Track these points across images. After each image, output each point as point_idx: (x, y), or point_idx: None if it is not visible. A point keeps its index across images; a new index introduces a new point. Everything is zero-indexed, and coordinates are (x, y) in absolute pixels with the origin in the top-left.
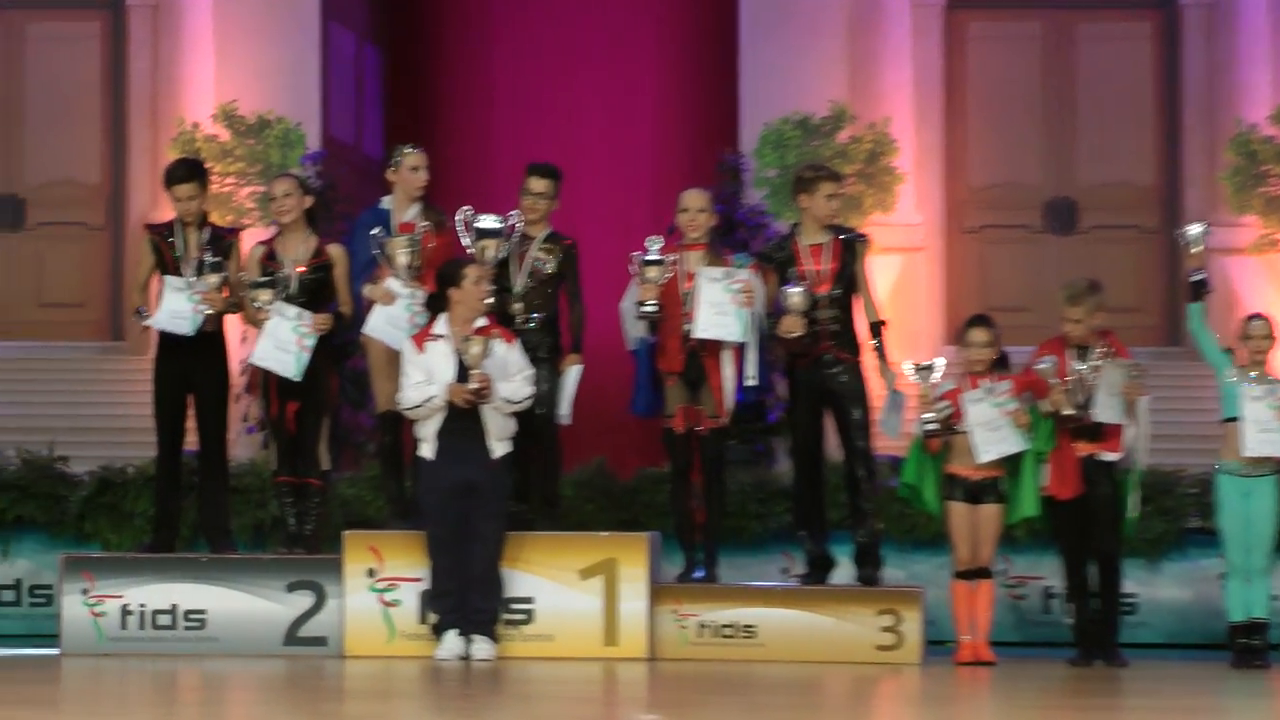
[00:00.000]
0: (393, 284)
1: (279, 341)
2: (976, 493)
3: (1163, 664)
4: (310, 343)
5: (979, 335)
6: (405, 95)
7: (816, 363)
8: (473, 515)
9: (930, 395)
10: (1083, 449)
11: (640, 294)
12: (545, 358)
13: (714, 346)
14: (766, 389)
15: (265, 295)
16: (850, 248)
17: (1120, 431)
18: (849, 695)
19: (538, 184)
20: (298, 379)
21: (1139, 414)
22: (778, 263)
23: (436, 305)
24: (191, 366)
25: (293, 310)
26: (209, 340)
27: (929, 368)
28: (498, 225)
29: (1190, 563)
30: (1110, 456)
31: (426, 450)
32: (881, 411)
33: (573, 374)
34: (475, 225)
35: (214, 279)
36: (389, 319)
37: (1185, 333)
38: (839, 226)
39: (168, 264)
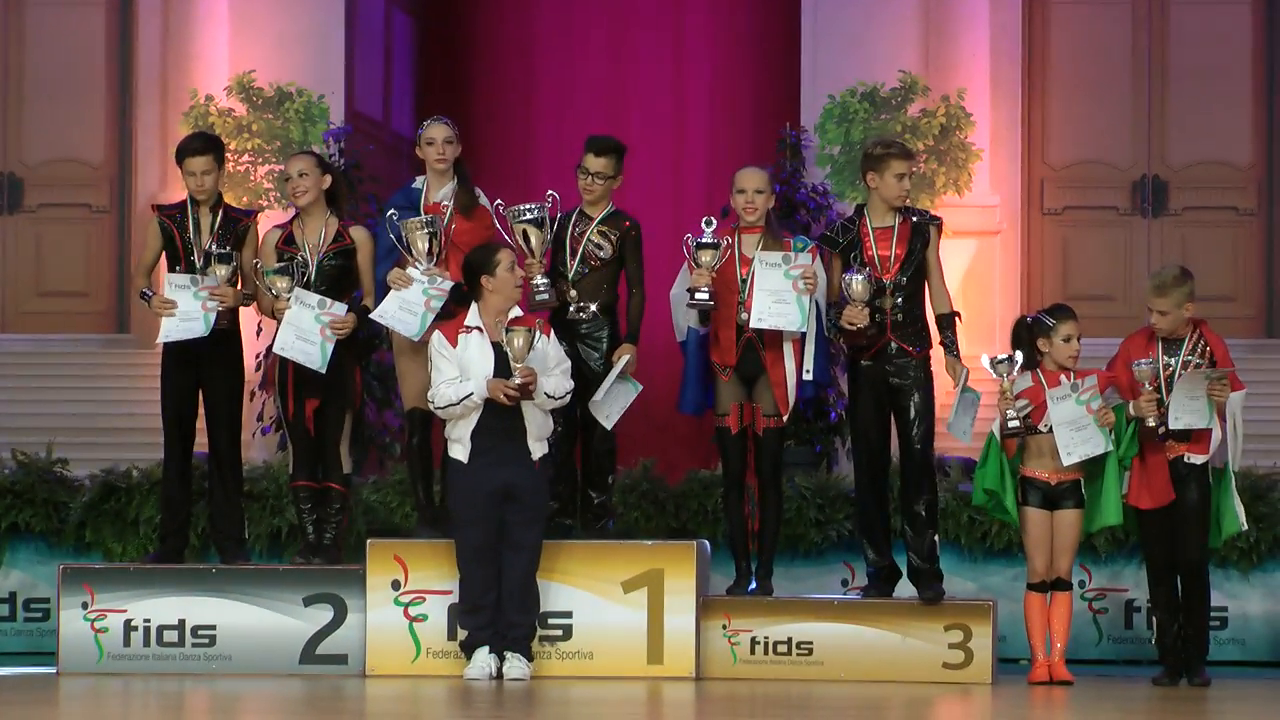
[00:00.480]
0: (412, 273)
1: (301, 331)
2: (1054, 498)
3: (1254, 684)
4: (341, 331)
5: (1066, 328)
6: (439, 67)
7: (880, 356)
8: (510, 522)
9: (1010, 391)
10: (1172, 450)
11: (692, 281)
12: (603, 350)
13: (772, 338)
14: (827, 385)
15: (282, 283)
16: (920, 232)
17: (1209, 432)
18: (913, 718)
19: (595, 162)
20: (323, 370)
21: (1230, 413)
22: (842, 247)
23: (468, 294)
24: (202, 361)
25: (314, 298)
26: (221, 333)
27: (1009, 360)
28: (537, 214)
29: None
30: (1199, 459)
31: (460, 452)
32: (952, 412)
33: (619, 365)
34: (513, 217)
35: (222, 270)
36: (402, 303)
37: None
38: (910, 209)
39: (179, 249)
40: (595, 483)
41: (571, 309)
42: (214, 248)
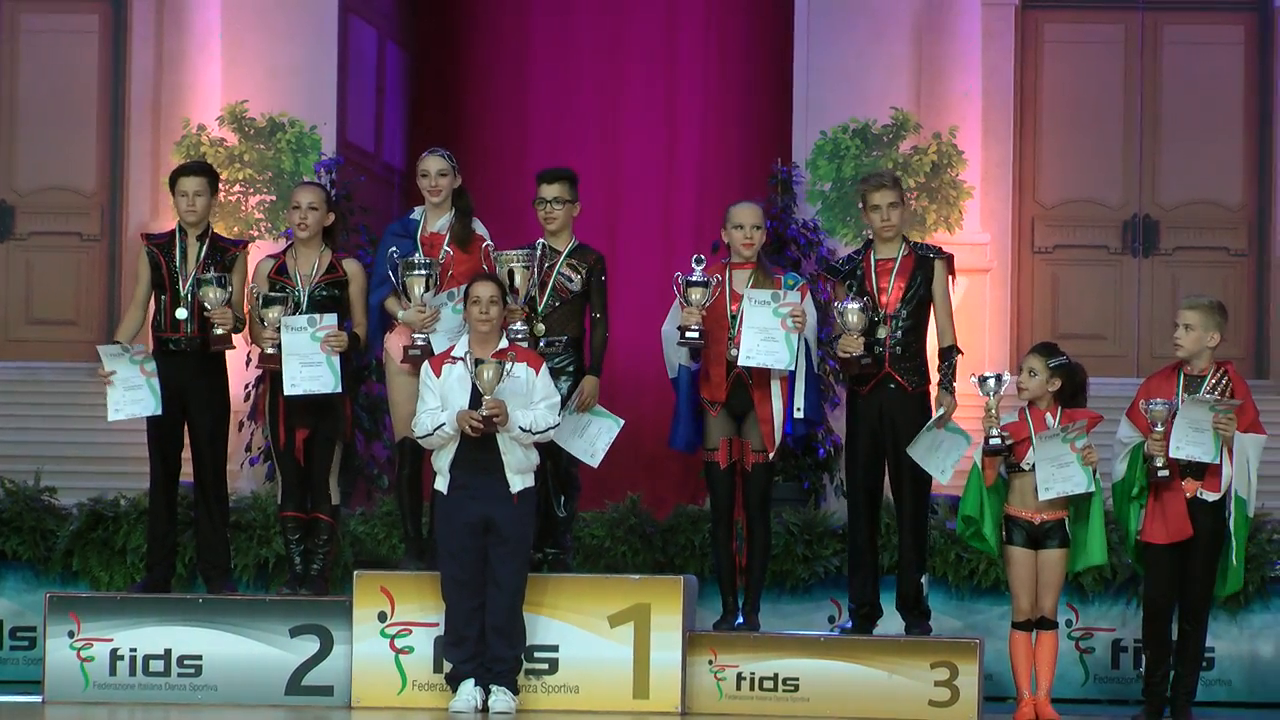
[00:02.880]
0: (407, 316)
1: (304, 357)
2: (1038, 537)
3: None
4: (338, 345)
5: (1034, 363)
6: (432, 99)
7: (878, 389)
8: (491, 556)
9: (994, 410)
10: (1189, 488)
11: (682, 319)
12: (570, 384)
13: (761, 375)
14: (818, 423)
15: (273, 313)
16: (924, 265)
17: (1220, 469)
18: None
19: (549, 189)
20: (338, 389)
21: (1242, 451)
22: (843, 276)
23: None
24: (187, 388)
25: (302, 319)
26: (206, 359)
27: (996, 379)
28: (523, 259)
29: (1274, 615)
30: (1212, 496)
31: (441, 484)
32: (916, 441)
33: (611, 430)
34: (500, 261)
35: (215, 294)
36: (445, 332)
37: (1276, 364)
38: (918, 244)
39: (164, 278)
40: (559, 497)
41: (541, 343)
42: (211, 273)
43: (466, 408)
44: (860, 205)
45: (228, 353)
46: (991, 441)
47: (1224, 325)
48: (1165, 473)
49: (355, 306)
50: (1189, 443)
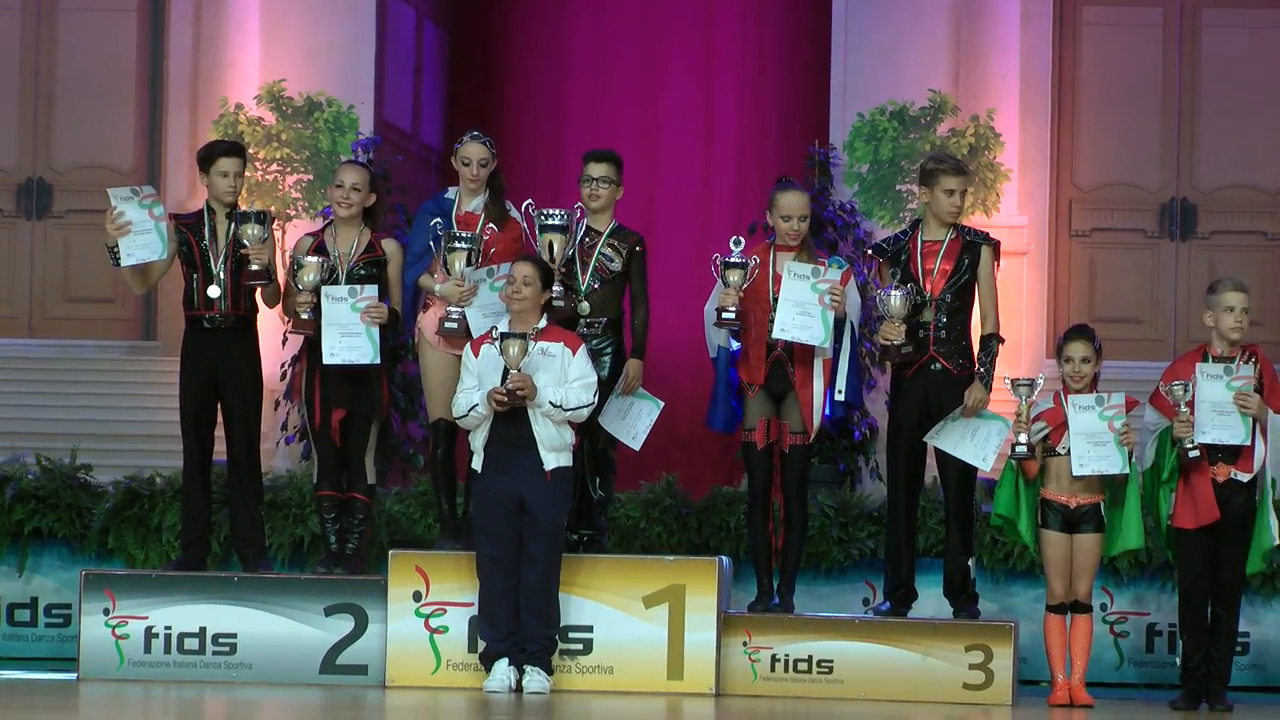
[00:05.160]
0: (444, 289)
1: (343, 327)
2: (1073, 521)
3: (1276, 710)
4: (378, 317)
5: (1078, 349)
6: (470, 80)
7: (921, 373)
8: (525, 535)
9: (1026, 415)
10: (1221, 472)
11: (720, 300)
12: (608, 364)
13: (802, 357)
14: (858, 406)
15: (309, 275)
16: (971, 249)
17: (1251, 449)
18: None
19: (596, 168)
20: (377, 361)
21: (1275, 431)
22: (889, 257)
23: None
24: (219, 366)
25: (341, 289)
26: (237, 335)
27: (1029, 384)
28: (562, 220)
29: None
30: (1245, 476)
31: (477, 461)
32: (938, 428)
33: (652, 412)
34: (539, 220)
35: (254, 230)
36: (481, 308)
37: None
38: (965, 227)
39: (196, 256)
40: (594, 478)
41: (582, 323)
42: (252, 207)
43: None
44: (923, 184)
45: (261, 331)
46: (1019, 449)
47: (1249, 304)
48: (1196, 453)
49: (393, 286)
50: (1215, 426)
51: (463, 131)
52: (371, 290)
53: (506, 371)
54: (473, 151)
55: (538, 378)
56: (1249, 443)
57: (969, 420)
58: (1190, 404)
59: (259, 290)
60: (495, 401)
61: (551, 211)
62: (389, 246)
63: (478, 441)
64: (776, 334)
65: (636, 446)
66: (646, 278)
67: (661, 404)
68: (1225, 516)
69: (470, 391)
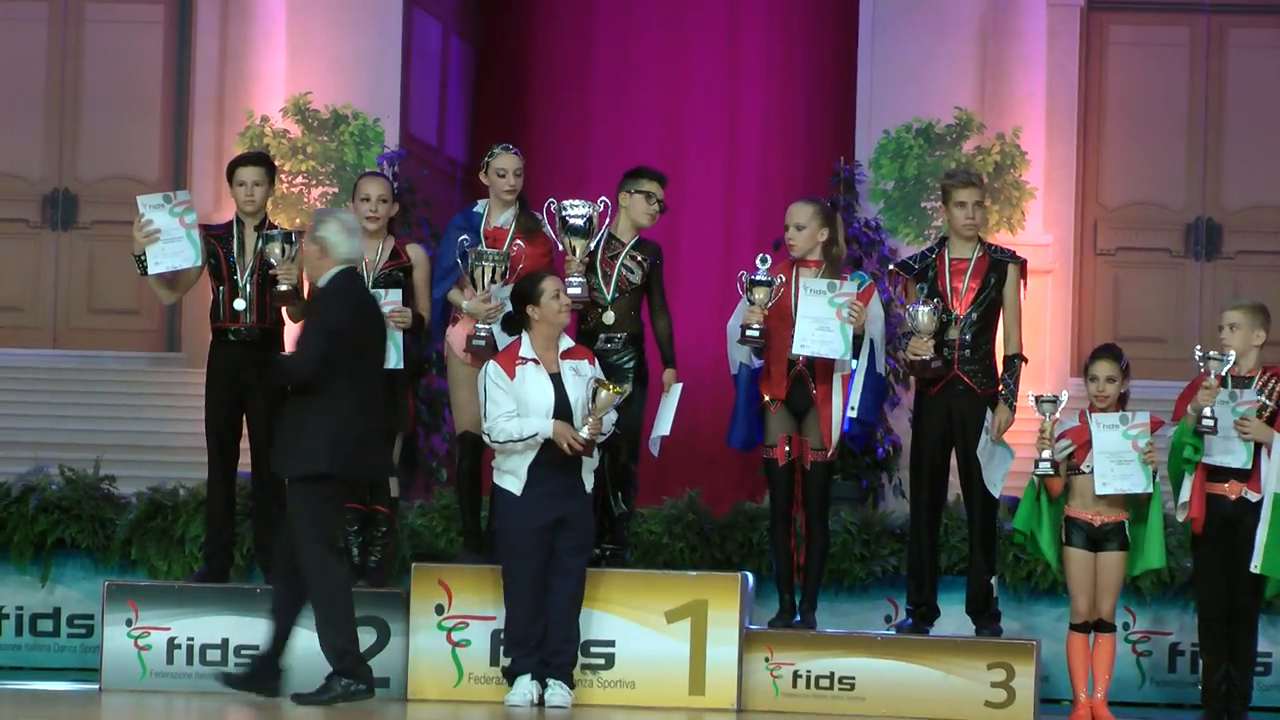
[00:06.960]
0: (471, 306)
1: (165, 234)
2: (1097, 539)
3: None
4: (402, 321)
5: (1103, 368)
6: (496, 95)
7: (946, 390)
8: (559, 549)
9: (1050, 432)
10: (1233, 489)
11: (745, 318)
12: (631, 379)
13: (824, 373)
14: (874, 424)
15: (277, 248)
16: (998, 268)
17: (1258, 469)
18: None
19: (661, 190)
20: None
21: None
22: (916, 274)
23: (516, 324)
24: (244, 379)
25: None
26: (263, 347)
27: (1053, 401)
28: (587, 210)
29: None
30: (1255, 497)
31: (512, 484)
32: (980, 450)
33: (675, 392)
34: (563, 217)
35: (278, 249)
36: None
37: None
38: (993, 245)
39: (223, 269)
40: (616, 493)
41: (603, 337)
42: (278, 229)
43: (550, 415)
44: (942, 201)
45: (287, 345)
46: (1041, 465)
47: (1268, 325)
48: (1210, 422)
49: (420, 293)
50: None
51: (488, 145)
52: (395, 294)
53: (561, 402)
54: (508, 163)
55: (577, 398)
56: (1248, 466)
57: (992, 443)
58: (1220, 378)
59: (287, 308)
60: (570, 448)
61: (575, 203)
62: (414, 253)
63: (515, 464)
64: (796, 349)
65: (665, 433)
66: (664, 287)
67: (679, 385)
68: (1238, 536)
69: (513, 416)
